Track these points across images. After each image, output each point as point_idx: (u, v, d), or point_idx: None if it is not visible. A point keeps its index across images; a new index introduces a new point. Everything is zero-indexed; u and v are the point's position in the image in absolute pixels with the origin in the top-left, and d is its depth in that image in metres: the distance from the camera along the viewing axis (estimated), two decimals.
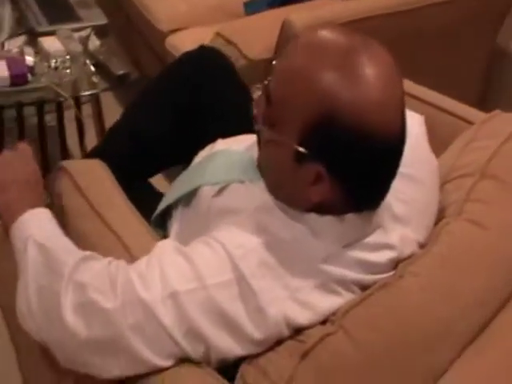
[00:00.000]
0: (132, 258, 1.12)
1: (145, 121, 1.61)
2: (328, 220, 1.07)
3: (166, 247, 1.09)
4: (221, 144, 1.39)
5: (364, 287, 1.10)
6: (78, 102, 2.28)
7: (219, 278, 1.03)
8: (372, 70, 0.99)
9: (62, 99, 2.18)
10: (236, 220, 1.11)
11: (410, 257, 1.15)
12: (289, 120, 1.03)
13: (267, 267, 1.04)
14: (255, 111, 1.11)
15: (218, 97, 1.58)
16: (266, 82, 1.07)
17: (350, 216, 1.07)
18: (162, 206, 1.37)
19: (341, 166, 1.02)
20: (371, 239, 1.10)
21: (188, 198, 1.31)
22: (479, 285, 1.12)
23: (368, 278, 1.10)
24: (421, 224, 1.20)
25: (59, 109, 2.31)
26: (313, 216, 1.07)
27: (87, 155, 1.78)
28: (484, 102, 2.55)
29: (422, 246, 1.19)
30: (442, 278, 1.11)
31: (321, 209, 1.07)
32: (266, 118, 1.07)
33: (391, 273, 1.13)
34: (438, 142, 1.46)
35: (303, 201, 1.06)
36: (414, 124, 1.26)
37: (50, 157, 2.34)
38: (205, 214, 1.22)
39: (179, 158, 1.57)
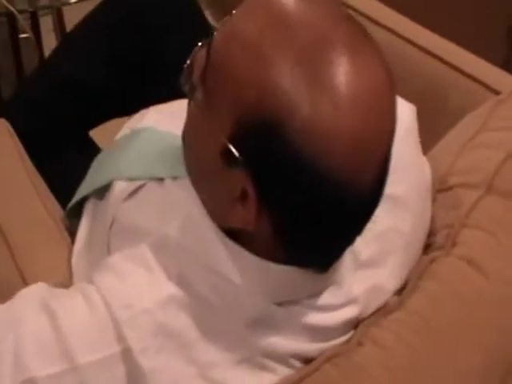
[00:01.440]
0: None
1: (74, 65, 1.26)
2: (254, 261, 0.75)
3: (27, 301, 0.77)
4: (152, 115, 1.04)
5: (308, 359, 0.80)
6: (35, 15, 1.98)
7: (96, 354, 0.72)
8: (354, 83, 0.66)
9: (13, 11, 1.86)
10: (137, 253, 0.79)
11: (378, 310, 0.84)
12: (223, 101, 0.70)
13: (168, 336, 0.74)
14: (191, 66, 0.77)
15: (172, 40, 1.21)
16: (213, 34, 0.73)
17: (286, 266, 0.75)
18: (76, 197, 1.03)
19: (275, 198, 0.70)
20: (320, 299, 0.79)
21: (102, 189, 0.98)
22: (470, 367, 0.81)
23: (313, 347, 0.79)
24: (400, 263, 0.88)
25: (12, 22, 1.98)
26: (236, 248, 0.75)
27: None
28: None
29: (401, 289, 0.87)
30: (416, 353, 0.80)
31: (245, 240, 0.75)
32: (202, 82, 0.74)
33: (348, 335, 0.82)
34: (449, 115, 1.12)
35: (221, 217, 0.75)
36: (403, 115, 0.92)
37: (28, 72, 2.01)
38: (106, 227, 0.90)
39: (121, 110, 1.23)
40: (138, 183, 0.91)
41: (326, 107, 0.65)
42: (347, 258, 0.80)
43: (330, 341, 0.80)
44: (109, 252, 0.87)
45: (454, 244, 0.90)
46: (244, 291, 0.76)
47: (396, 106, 0.71)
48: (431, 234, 0.94)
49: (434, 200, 0.97)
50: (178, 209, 0.82)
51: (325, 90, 0.65)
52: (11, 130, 1.16)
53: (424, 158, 0.96)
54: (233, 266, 0.75)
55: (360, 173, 0.67)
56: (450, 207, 0.95)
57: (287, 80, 0.66)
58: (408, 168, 0.90)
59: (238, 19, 0.71)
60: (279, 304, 0.77)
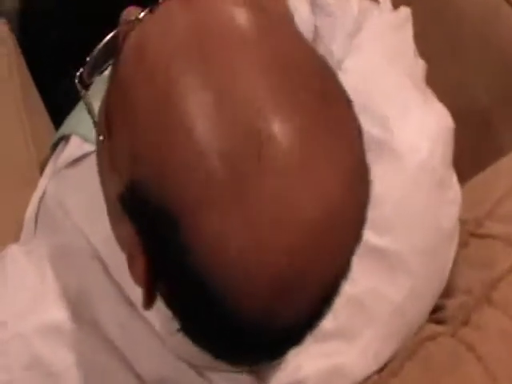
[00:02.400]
0: None
1: None
2: None
3: None
4: None
5: None
6: None
7: None
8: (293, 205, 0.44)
9: None
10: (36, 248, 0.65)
11: None
12: (122, 139, 0.50)
13: (41, 372, 0.60)
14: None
15: None
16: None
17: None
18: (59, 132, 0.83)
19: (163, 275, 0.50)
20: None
21: None
22: None
23: None
24: (382, 338, 0.66)
25: None
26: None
27: None
28: None
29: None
30: None
31: None
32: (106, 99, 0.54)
33: None
34: None
35: None
36: (418, 146, 0.68)
37: None
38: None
39: None
40: (88, 148, 0.72)
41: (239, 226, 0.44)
42: None
43: None
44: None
45: (465, 322, 0.68)
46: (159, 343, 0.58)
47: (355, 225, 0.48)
48: (447, 291, 0.72)
49: (465, 244, 0.73)
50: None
51: (244, 207, 0.44)
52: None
53: (449, 197, 0.70)
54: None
55: (256, 292, 0.45)
56: (478, 263, 0.72)
57: (201, 175, 0.44)
58: (413, 219, 0.67)
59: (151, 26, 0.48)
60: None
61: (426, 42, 0.77)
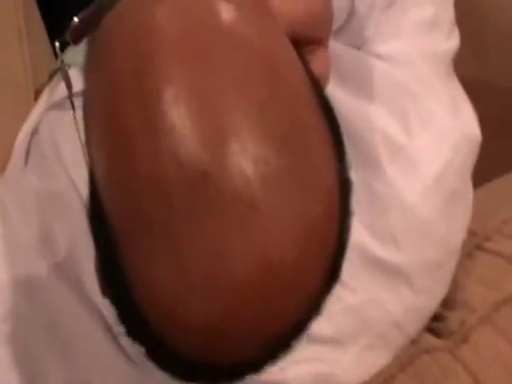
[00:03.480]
0: None
1: None
2: None
3: None
4: None
5: None
6: None
7: None
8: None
9: None
10: None
11: None
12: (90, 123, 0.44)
13: None
14: None
15: None
16: None
17: None
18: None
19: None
20: None
21: None
22: None
23: None
24: (379, 346, 0.64)
25: None
26: None
27: None
28: None
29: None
30: None
31: None
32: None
33: None
34: None
35: None
36: (431, 159, 0.64)
37: None
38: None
39: None
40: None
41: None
42: None
43: None
44: None
45: (464, 340, 0.66)
46: None
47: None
48: (448, 302, 0.69)
49: (469, 255, 0.71)
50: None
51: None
52: None
53: (460, 213, 0.67)
54: None
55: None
56: (484, 280, 0.70)
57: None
58: (420, 232, 0.63)
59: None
60: None
61: None
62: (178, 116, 0.36)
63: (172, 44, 0.38)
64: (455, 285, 0.68)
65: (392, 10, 0.66)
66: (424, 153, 0.63)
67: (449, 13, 0.69)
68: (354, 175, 0.44)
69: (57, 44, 0.46)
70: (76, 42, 0.44)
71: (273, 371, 0.53)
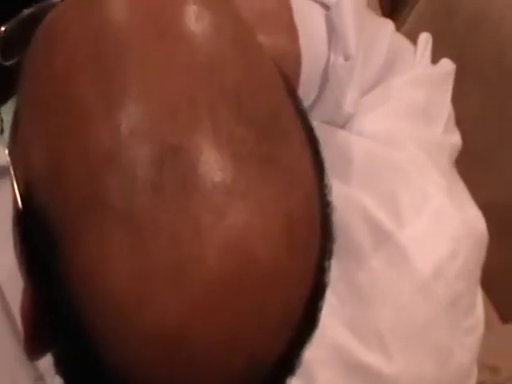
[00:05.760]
0: None
1: None
2: None
3: None
4: None
5: None
6: None
7: None
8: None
9: None
10: None
11: None
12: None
13: None
14: None
15: None
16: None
17: None
18: None
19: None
20: None
21: None
22: None
23: None
24: None
25: None
26: None
27: None
28: None
29: None
30: None
31: None
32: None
33: None
34: None
35: None
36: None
37: None
38: None
39: None
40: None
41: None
42: None
43: None
44: None
45: None
46: None
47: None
48: None
49: None
50: None
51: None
52: None
53: (466, 324, 0.56)
54: None
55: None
56: None
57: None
58: (414, 339, 0.53)
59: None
60: None
61: None
62: (144, 86, 0.34)
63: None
64: None
65: (377, 90, 0.59)
66: (417, 243, 0.54)
67: (445, 106, 0.61)
68: (333, 265, 0.38)
69: None
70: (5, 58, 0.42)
71: None
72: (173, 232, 0.32)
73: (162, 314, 0.32)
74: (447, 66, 0.63)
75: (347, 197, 0.52)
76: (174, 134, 0.33)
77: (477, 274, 0.57)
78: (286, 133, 0.36)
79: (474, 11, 0.92)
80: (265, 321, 0.34)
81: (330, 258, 0.37)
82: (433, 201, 0.55)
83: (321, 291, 0.37)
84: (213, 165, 0.33)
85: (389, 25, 0.63)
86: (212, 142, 0.33)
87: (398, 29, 0.64)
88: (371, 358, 0.52)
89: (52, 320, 0.37)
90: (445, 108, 0.61)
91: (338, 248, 0.41)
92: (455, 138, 0.62)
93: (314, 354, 0.46)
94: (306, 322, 0.36)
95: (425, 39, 0.63)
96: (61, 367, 0.38)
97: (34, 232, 0.36)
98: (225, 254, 0.32)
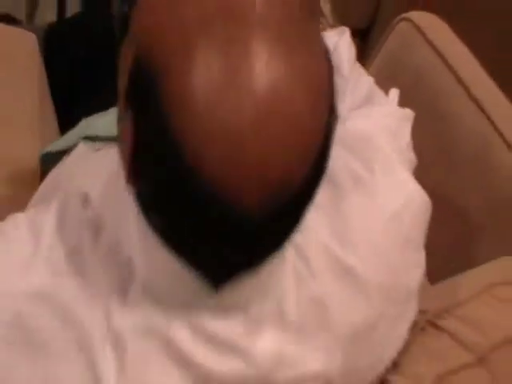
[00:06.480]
0: None
1: None
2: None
3: None
4: None
5: None
6: None
7: None
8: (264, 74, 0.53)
9: None
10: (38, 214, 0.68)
11: None
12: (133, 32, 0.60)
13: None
14: None
15: None
16: None
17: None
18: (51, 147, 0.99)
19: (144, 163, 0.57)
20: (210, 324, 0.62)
21: None
22: None
23: None
24: (337, 349, 0.67)
25: None
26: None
27: None
28: None
29: None
30: None
31: None
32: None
33: None
34: None
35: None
36: (394, 193, 0.73)
37: None
38: None
39: None
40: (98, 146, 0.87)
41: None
42: (267, 306, 0.64)
43: None
44: None
45: None
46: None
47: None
48: (397, 367, 0.74)
49: (422, 329, 0.77)
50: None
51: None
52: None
53: (415, 258, 0.73)
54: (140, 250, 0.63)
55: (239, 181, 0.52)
56: (432, 354, 0.76)
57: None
58: (380, 260, 0.69)
59: None
60: None
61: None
62: None
63: None
64: (405, 353, 0.75)
65: (362, 110, 0.79)
66: (384, 190, 0.71)
67: (407, 135, 0.79)
68: (322, 193, 0.58)
69: None
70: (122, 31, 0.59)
71: (239, 352, 0.63)
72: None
73: (231, 112, 0.50)
74: (409, 111, 0.81)
75: (337, 156, 0.64)
76: None
77: (423, 227, 0.73)
78: (312, 34, 0.55)
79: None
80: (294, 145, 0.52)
81: (334, 114, 0.56)
82: (398, 173, 0.72)
83: (329, 139, 0.55)
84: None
85: (369, 76, 0.83)
86: None
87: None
88: (348, 257, 0.66)
89: (151, 146, 0.53)
90: (407, 136, 0.78)
91: (327, 182, 0.58)
92: (413, 155, 0.79)
93: (308, 252, 0.65)
94: (320, 158, 0.54)
95: (395, 91, 0.82)
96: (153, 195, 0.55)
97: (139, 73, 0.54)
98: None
